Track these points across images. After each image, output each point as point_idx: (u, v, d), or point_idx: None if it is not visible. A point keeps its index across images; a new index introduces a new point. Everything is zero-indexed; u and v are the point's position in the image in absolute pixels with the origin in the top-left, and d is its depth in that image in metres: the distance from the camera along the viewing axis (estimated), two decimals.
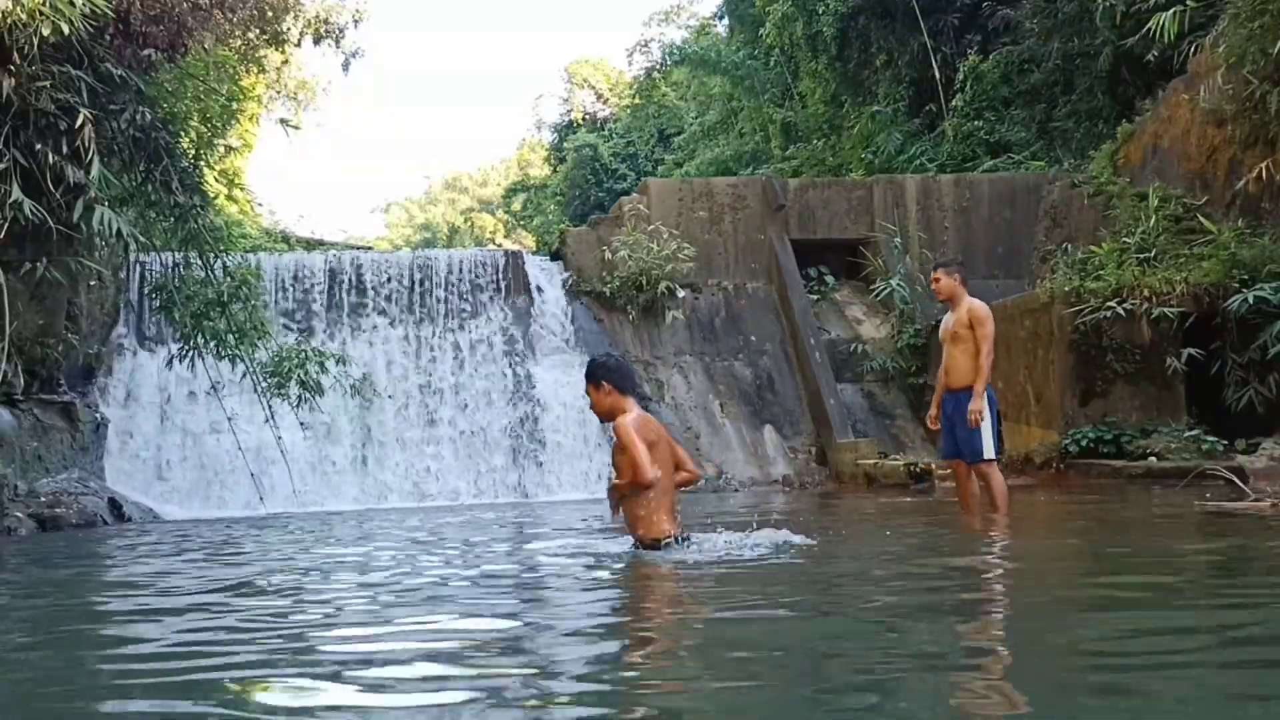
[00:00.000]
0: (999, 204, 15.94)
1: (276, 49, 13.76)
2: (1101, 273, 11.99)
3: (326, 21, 12.78)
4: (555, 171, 37.98)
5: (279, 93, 21.19)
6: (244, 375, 11.77)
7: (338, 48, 13.00)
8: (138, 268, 13.73)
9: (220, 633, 3.63)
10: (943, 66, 19.55)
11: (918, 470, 12.07)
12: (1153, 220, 12.82)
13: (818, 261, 16.26)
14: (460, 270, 15.04)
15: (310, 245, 19.31)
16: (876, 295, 15.46)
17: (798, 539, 5.44)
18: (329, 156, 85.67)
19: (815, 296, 15.89)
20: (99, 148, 9.48)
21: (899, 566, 5.00)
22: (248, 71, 15.20)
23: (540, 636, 3.35)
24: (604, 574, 4.92)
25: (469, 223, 54.34)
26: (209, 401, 12.57)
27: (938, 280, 7.51)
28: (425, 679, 2.71)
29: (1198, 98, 12.47)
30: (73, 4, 8.82)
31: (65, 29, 8.79)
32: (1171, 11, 12.49)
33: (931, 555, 5.52)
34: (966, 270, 7.89)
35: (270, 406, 11.75)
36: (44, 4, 8.72)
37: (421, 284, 14.82)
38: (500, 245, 41.56)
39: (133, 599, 4.83)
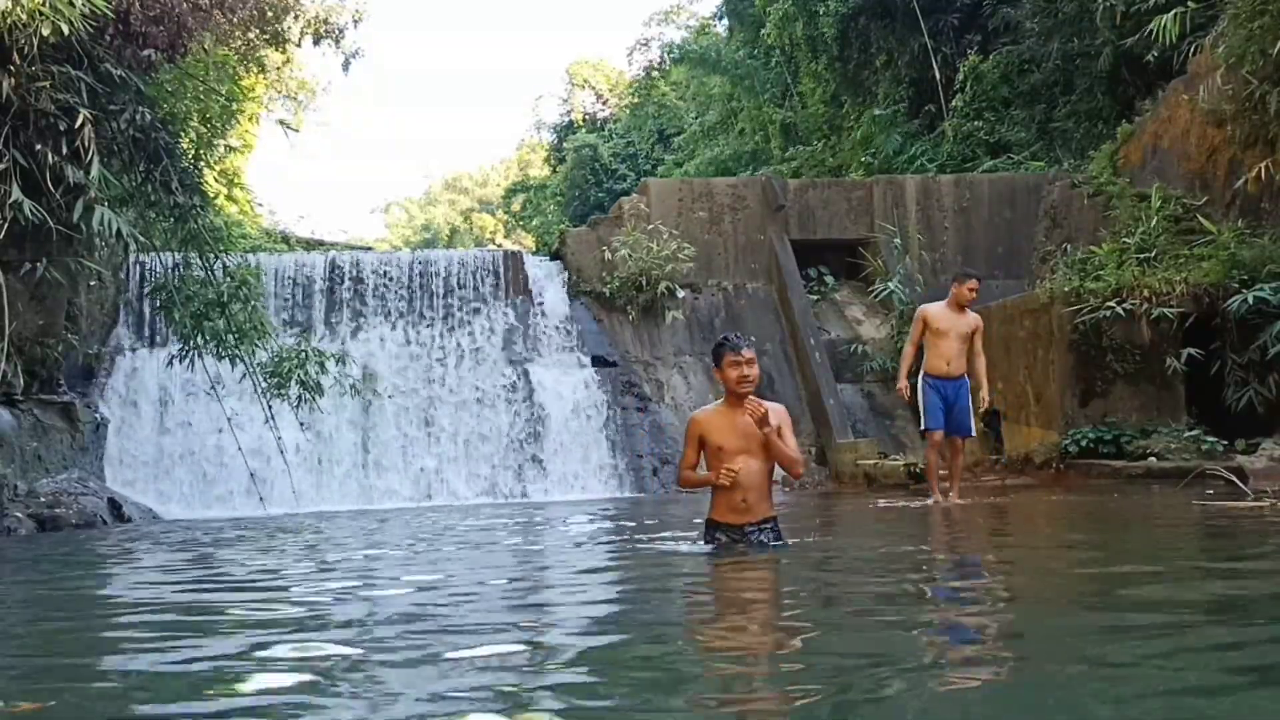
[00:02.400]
0: (999, 204, 15.94)
1: (276, 49, 13.77)
2: (1101, 273, 11.98)
3: (326, 21, 12.78)
4: (555, 172, 38.00)
5: (279, 93, 21.19)
6: (244, 376, 11.77)
7: (338, 48, 13.00)
8: (138, 268, 13.73)
9: (211, 636, 3.62)
10: (943, 67, 19.56)
11: (917, 470, 12.06)
12: (1153, 220, 12.83)
13: (818, 261, 16.26)
14: (460, 271, 15.04)
15: (310, 245, 19.31)
16: (876, 295, 15.46)
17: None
18: (329, 156, 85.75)
19: (815, 297, 15.89)
20: (99, 148, 9.48)
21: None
22: (248, 71, 15.20)
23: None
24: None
25: (469, 223, 54.37)
26: (209, 401, 12.57)
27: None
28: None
29: (1198, 98, 12.47)
30: (73, 4, 8.82)
31: (65, 29, 8.79)
32: (1172, 13, 12.50)
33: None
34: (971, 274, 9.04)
35: (270, 407, 11.75)
36: (44, 4, 8.72)
37: (421, 284, 14.83)
38: (500, 245, 41.56)
39: (126, 602, 4.83)
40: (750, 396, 5.09)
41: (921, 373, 8.75)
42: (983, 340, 8.89)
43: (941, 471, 8.92)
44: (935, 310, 8.78)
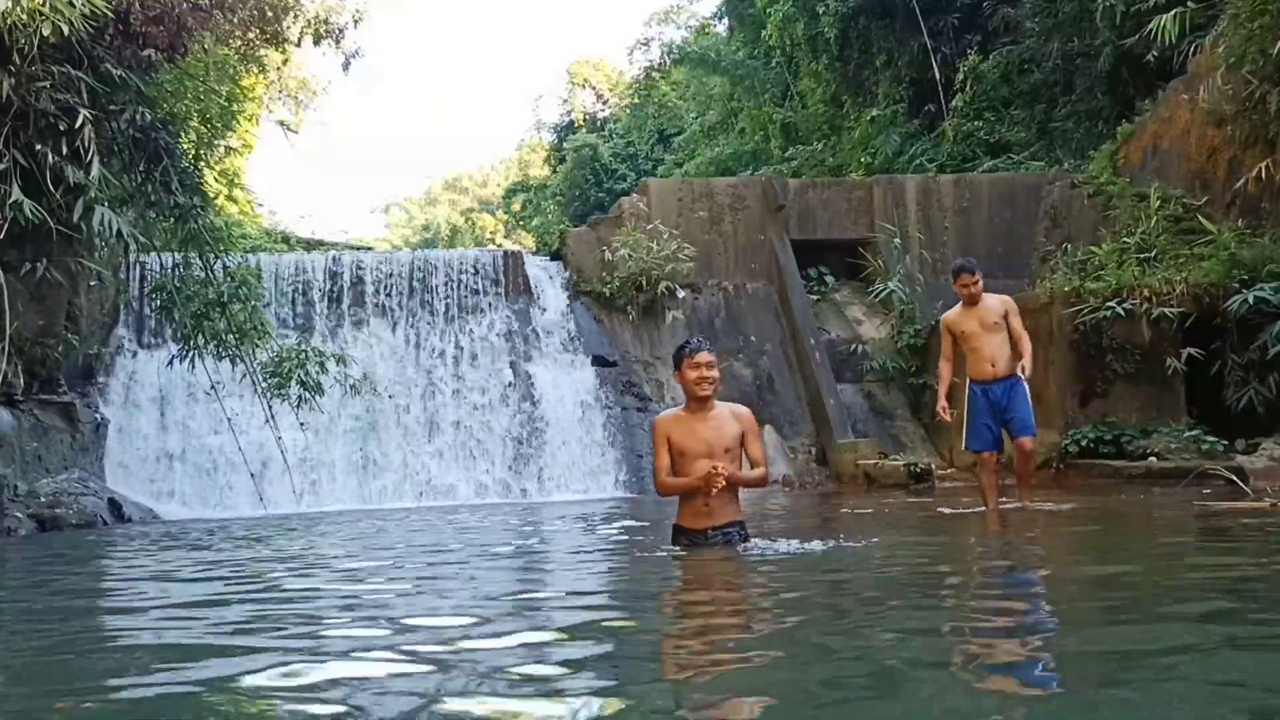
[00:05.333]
0: (999, 204, 15.93)
1: (276, 49, 13.77)
2: (1101, 273, 11.99)
3: (326, 22, 12.79)
4: (555, 172, 37.97)
5: (280, 92, 21.19)
6: (244, 376, 11.76)
7: (338, 48, 13.02)
8: (138, 268, 13.73)
9: (215, 637, 3.62)
10: (943, 67, 19.56)
11: (918, 470, 12.07)
12: (1153, 220, 12.83)
13: (818, 261, 16.25)
14: (460, 271, 15.04)
15: (310, 246, 19.32)
16: (876, 295, 15.46)
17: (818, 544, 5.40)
18: (329, 156, 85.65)
19: (815, 296, 15.88)
20: (99, 148, 9.49)
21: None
22: (248, 71, 15.21)
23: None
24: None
25: (469, 223, 54.32)
26: (209, 401, 12.57)
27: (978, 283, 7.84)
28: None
29: (1198, 98, 12.48)
30: (73, 4, 8.82)
31: (65, 29, 8.79)
32: (1172, 13, 12.50)
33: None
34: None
35: (270, 407, 11.74)
36: (44, 4, 8.73)
37: (421, 284, 14.83)
38: (500, 246, 41.53)
39: (126, 603, 4.82)
40: (714, 471, 4.90)
41: (968, 380, 7.85)
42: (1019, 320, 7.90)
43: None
44: (953, 315, 7.99)
